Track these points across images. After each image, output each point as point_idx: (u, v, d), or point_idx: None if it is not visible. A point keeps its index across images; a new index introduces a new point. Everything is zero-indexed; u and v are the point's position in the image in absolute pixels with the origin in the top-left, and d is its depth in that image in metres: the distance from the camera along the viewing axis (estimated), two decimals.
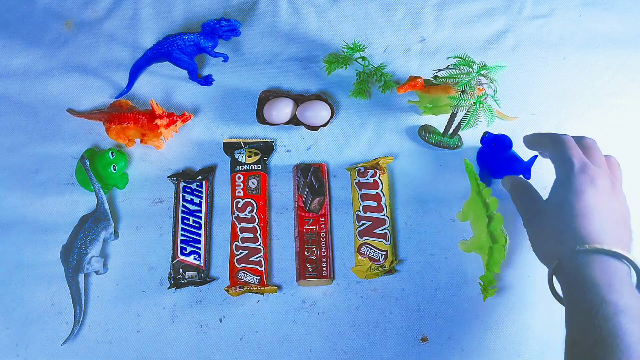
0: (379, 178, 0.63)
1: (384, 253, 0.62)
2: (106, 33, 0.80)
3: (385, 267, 0.62)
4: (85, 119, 0.74)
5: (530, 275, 0.67)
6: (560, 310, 0.65)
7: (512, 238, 0.64)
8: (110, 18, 0.81)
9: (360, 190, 0.63)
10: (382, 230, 0.61)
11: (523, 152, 0.67)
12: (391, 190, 0.70)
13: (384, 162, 0.67)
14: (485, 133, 0.66)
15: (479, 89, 0.62)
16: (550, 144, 0.58)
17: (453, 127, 0.69)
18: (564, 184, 0.53)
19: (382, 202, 0.62)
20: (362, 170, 0.64)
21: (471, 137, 0.72)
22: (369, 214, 0.61)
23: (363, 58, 0.75)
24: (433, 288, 0.66)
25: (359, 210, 0.61)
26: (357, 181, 0.65)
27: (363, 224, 0.61)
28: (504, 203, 0.68)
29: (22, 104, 0.75)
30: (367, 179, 0.64)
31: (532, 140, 0.60)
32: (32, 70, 0.77)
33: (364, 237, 0.60)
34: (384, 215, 0.61)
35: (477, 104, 0.60)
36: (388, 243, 0.61)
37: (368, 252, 0.60)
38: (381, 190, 0.62)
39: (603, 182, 0.53)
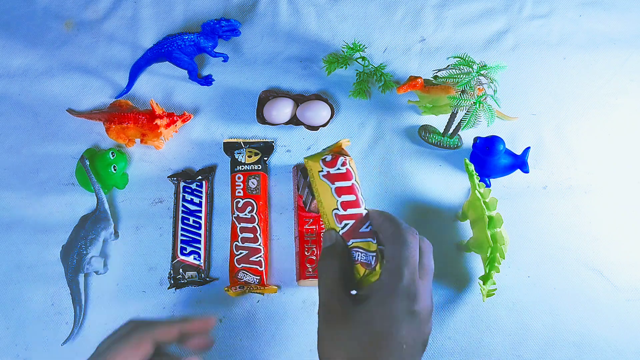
0: (349, 165, 0.48)
1: (374, 254, 0.47)
2: (106, 33, 0.80)
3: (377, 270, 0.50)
4: (85, 119, 0.74)
5: (531, 275, 0.67)
6: (560, 311, 0.66)
7: (512, 238, 0.64)
8: (110, 18, 0.81)
9: (333, 184, 0.48)
10: (367, 227, 0.47)
11: (514, 149, 0.68)
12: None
13: (345, 145, 0.51)
14: (476, 139, 0.66)
15: (479, 89, 0.62)
16: (393, 232, 0.44)
17: (453, 127, 0.69)
18: (384, 299, 0.41)
19: (358, 194, 0.47)
20: (330, 158, 0.48)
21: (471, 137, 0.72)
22: (350, 211, 0.47)
23: (363, 58, 0.75)
24: (433, 288, 0.66)
25: (337, 209, 0.47)
26: (325, 173, 0.49)
27: (346, 225, 0.47)
28: (504, 203, 0.68)
29: (22, 104, 0.75)
30: (339, 169, 0.48)
31: (375, 218, 0.46)
32: (32, 70, 0.77)
33: (351, 241, 0.46)
34: (365, 209, 0.47)
35: (477, 104, 0.60)
36: (375, 241, 0.47)
37: (360, 257, 0.47)
38: (355, 180, 0.48)
39: (424, 311, 0.42)
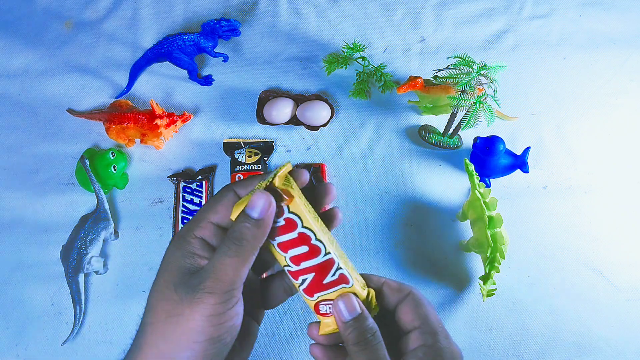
0: (289, 212, 0.35)
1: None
2: (106, 33, 0.80)
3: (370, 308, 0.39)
4: (85, 119, 0.74)
5: (530, 275, 0.67)
6: (560, 311, 0.66)
7: (512, 238, 0.64)
8: (110, 18, 0.81)
9: (273, 240, 0.36)
10: (334, 274, 0.37)
11: (514, 149, 0.68)
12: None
13: (282, 178, 0.36)
14: (476, 139, 0.66)
15: (479, 89, 0.62)
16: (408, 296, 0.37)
17: (453, 127, 0.69)
18: None
19: (312, 242, 0.37)
20: None
21: (471, 137, 0.72)
22: (305, 264, 0.37)
23: (363, 58, 0.75)
24: (433, 288, 0.66)
25: (288, 265, 0.37)
26: None
27: (304, 280, 0.37)
28: (504, 203, 0.68)
29: (22, 104, 0.75)
30: (276, 222, 0.36)
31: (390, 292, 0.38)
32: (32, 70, 0.77)
33: (316, 295, 0.38)
34: (325, 254, 0.37)
35: (477, 104, 0.60)
36: (350, 285, 0.37)
37: (329, 310, 0.38)
38: (303, 226, 0.36)
39: None
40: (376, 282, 0.38)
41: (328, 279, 0.37)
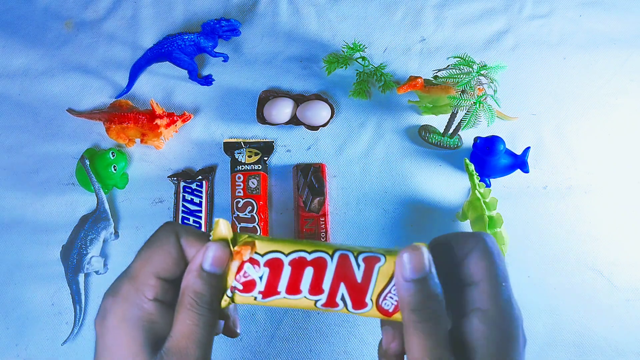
0: (262, 255, 0.30)
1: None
2: (106, 33, 0.80)
3: None
4: (85, 119, 0.74)
5: (530, 275, 0.67)
6: (559, 310, 0.66)
7: (512, 238, 0.64)
8: (110, 18, 0.81)
9: (286, 294, 0.31)
10: (359, 266, 0.30)
11: (514, 149, 0.68)
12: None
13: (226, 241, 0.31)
14: (477, 139, 0.66)
15: (479, 89, 0.62)
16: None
17: (453, 127, 0.69)
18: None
19: (309, 259, 0.30)
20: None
21: (471, 137, 0.72)
22: (326, 284, 0.30)
23: (363, 58, 0.75)
24: None
25: (319, 300, 0.31)
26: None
27: (343, 297, 0.30)
28: (504, 203, 0.68)
29: (22, 104, 0.75)
30: (262, 276, 0.30)
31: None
32: (32, 70, 0.77)
33: (368, 297, 0.30)
34: (333, 254, 0.30)
35: (477, 104, 0.60)
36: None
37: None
38: (287, 255, 0.30)
39: None
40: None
41: (357, 273, 0.30)
